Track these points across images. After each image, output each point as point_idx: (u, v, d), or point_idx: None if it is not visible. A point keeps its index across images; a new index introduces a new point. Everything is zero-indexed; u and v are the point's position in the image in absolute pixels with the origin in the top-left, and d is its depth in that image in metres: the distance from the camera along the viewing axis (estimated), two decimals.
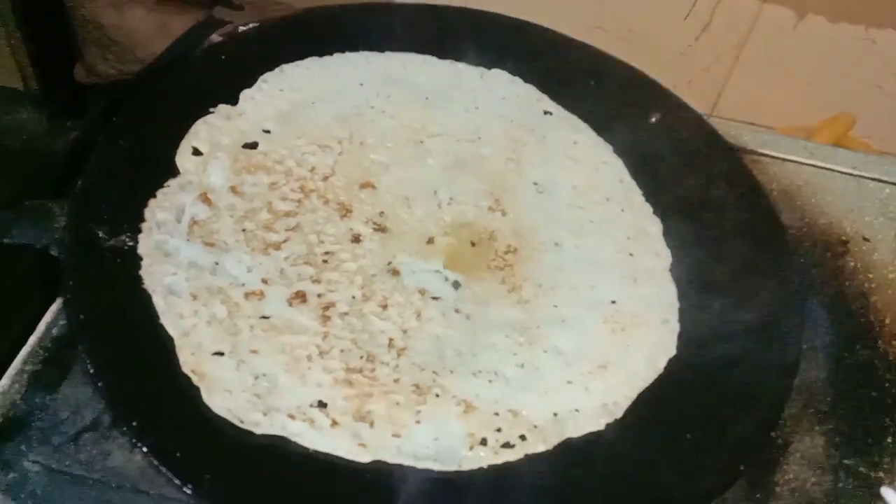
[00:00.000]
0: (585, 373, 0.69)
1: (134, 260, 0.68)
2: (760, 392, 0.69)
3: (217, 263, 0.70)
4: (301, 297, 0.69)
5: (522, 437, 0.64)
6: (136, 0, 1.27)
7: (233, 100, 0.82)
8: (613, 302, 0.75)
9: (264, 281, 0.70)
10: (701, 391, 0.69)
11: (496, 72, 0.92)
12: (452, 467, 0.62)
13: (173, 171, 0.76)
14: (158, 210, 0.72)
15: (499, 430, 0.64)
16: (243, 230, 0.73)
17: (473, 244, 0.77)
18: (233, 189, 0.75)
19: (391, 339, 0.68)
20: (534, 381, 0.68)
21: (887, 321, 0.83)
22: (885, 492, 0.70)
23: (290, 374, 0.64)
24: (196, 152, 0.77)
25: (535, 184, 0.83)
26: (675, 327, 0.74)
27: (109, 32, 1.34)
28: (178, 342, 0.64)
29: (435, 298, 0.72)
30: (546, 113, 0.90)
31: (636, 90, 0.91)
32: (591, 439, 0.66)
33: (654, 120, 0.90)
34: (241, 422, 0.61)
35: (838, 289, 0.86)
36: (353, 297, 0.71)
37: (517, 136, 0.87)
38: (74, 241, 0.67)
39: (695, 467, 0.64)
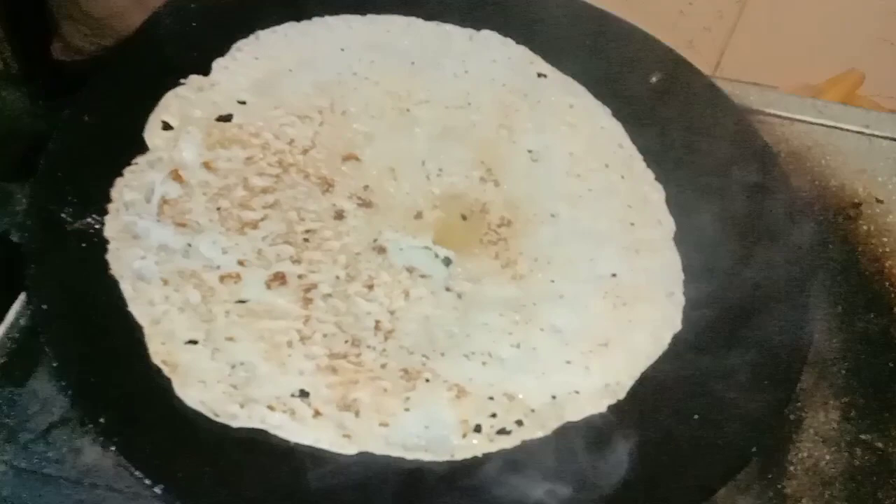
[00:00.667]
0: (585, 352, 0.68)
1: (100, 244, 0.66)
2: (771, 368, 0.67)
3: (189, 245, 0.67)
4: (280, 278, 0.67)
5: (519, 423, 0.62)
6: None
7: (205, 69, 0.79)
8: (614, 275, 0.73)
9: (241, 263, 0.67)
10: (708, 368, 0.67)
11: (486, 33, 0.90)
12: (445, 457, 0.60)
13: (142, 148, 0.73)
14: (126, 189, 0.69)
15: (494, 415, 0.62)
16: (218, 209, 0.70)
17: (464, 218, 0.75)
18: (206, 165, 0.72)
19: (378, 322, 0.66)
20: (530, 361, 0.66)
21: None
22: None
23: (270, 361, 0.62)
24: (166, 127, 0.74)
25: (530, 151, 0.81)
26: (680, 300, 0.73)
27: (83, 5, 1.31)
28: (147, 331, 0.62)
29: (424, 276, 0.70)
30: (540, 75, 0.88)
31: (635, 49, 0.89)
32: (593, 422, 0.64)
33: (654, 80, 0.88)
34: (217, 415, 0.59)
35: (851, 254, 0.85)
36: (337, 278, 0.68)
37: (509, 102, 0.85)
38: (37, 226, 0.65)
39: (703, 450, 0.62)
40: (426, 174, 0.77)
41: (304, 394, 0.61)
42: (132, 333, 0.62)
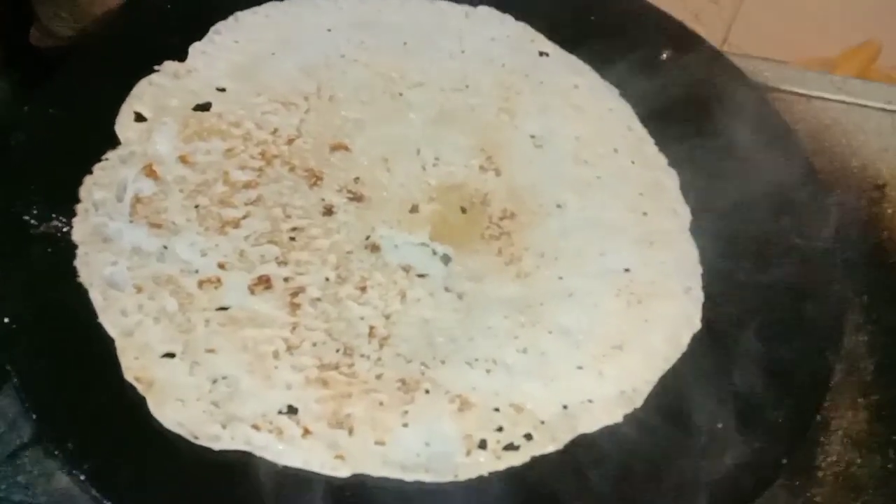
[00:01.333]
0: (598, 355, 0.65)
1: (68, 248, 0.64)
2: (799, 370, 0.65)
3: (165, 248, 0.66)
4: (265, 282, 0.65)
5: (528, 437, 0.60)
6: None
7: (181, 55, 0.78)
8: (627, 270, 0.71)
9: (221, 266, 0.65)
10: (731, 371, 0.64)
11: (483, 9, 0.88)
12: (447, 477, 0.57)
13: (113, 142, 0.71)
14: (95, 188, 0.67)
15: (500, 429, 0.60)
16: (195, 207, 0.68)
17: (464, 210, 0.73)
18: (182, 159, 0.71)
19: (372, 328, 0.64)
20: (539, 367, 0.64)
21: None
22: None
23: (254, 375, 0.60)
24: (139, 118, 0.73)
25: (533, 137, 0.80)
26: (699, 296, 0.70)
27: None
28: (119, 344, 0.60)
29: (421, 276, 0.68)
30: (542, 54, 0.86)
31: (643, 24, 0.88)
32: (608, 434, 0.61)
33: (664, 57, 0.86)
34: (197, 437, 0.56)
35: (875, 240, 0.84)
36: (327, 280, 0.66)
37: (510, 83, 0.83)
38: None
39: (729, 464, 0.59)
40: (422, 164, 0.76)
41: (292, 410, 0.58)
42: (103, 347, 0.59)
